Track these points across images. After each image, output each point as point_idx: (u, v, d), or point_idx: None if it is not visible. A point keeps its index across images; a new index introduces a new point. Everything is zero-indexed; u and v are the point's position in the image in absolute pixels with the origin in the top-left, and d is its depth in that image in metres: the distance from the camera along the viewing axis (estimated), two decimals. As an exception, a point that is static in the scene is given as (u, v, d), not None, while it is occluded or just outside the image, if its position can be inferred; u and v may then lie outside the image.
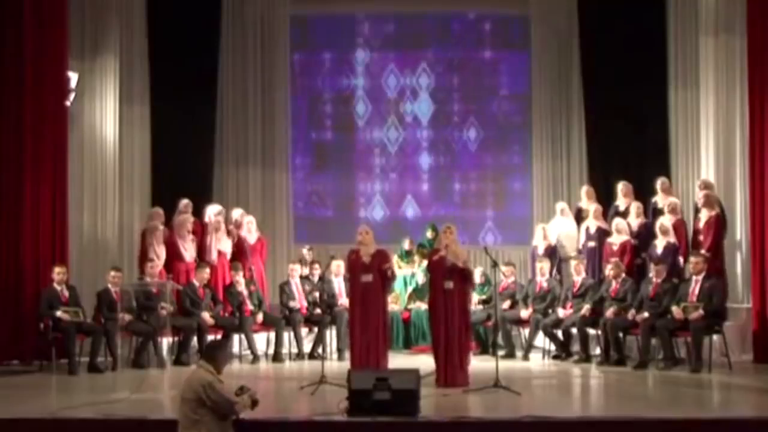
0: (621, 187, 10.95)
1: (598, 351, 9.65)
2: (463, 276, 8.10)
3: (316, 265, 10.83)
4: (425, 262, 10.22)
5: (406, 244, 11.74)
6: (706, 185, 10.33)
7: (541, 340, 10.12)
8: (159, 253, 10.26)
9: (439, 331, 8.06)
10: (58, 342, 9.09)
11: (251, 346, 9.98)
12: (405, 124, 13.02)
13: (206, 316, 9.85)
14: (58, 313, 9.11)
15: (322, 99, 13.09)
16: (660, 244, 9.99)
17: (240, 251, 10.80)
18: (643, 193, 11.10)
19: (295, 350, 10.21)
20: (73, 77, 10.74)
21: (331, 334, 10.29)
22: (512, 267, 10.71)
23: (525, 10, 12.81)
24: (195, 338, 9.80)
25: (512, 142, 12.96)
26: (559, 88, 12.61)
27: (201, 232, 10.76)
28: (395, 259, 11.36)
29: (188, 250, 10.47)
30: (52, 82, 9.82)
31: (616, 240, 10.36)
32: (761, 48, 9.50)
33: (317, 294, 10.49)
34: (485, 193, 12.96)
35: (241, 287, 10.22)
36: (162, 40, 11.94)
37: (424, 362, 8.61)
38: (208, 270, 10.17)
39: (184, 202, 10.83)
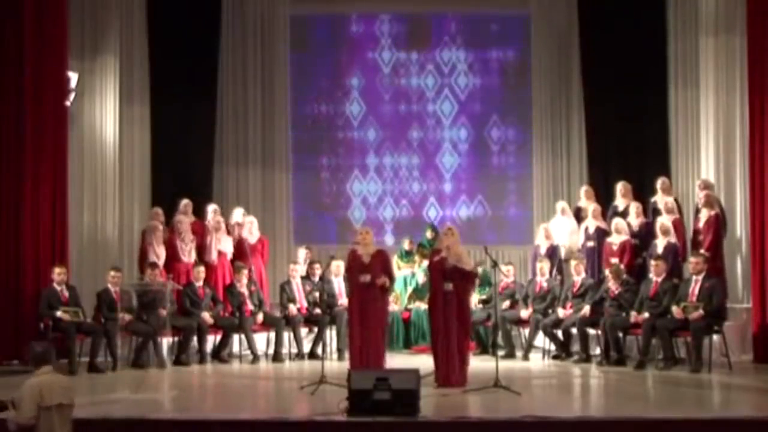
0: (620, 187, 10.95)
1: (598, 351, 9.65)
2: (465, 277, 8.09)
3: (316, 265, 10.82)
4: (425, 262, 10.23)
5: (406, 244, 11.73)
6: (706, 185, 10.34)
7: (541, 340, 10.12)
8: (159, 254, 10.26)
9: (439, 332, 8.05)
10: (58, 342, 9.07)
11: (251, 346, 9.98)
12: (405, 124, 13.01)
13: (206, 316, 9.86)
14: (58, 313, 9.12)
15: (322, 99, 13.08)
16: (660, 243, 9.99)
17: (241, 251, 10.81)
18: (643, 193, 11.11)
19: (295, 350, 10.21)
20: (73, 77, 10.74)
21: (331, 334, 10.29)
22: (512, 267, 10.73)
23: (525, 9, 12.81)
24: (195, 338, 9.81)
25: (512, 141, 12.95)
26: (559, 88, 12.60)
27: (201, 232, 10.77)
28: (395, 259, 11.36)
29: (187, 251, 10.47)
30: (52, 82, 9.81)
31: (615, 240, 10.37)
32: (761, 48, 9.50)
33: (317, 294, 10.49)
34: (485, 193, 12.95)
35: (242, 287, 10.22)
36: (162, 40, 11.95)
37: (424, 362, 8.61)
38: (202, 269, 10.16)
39: (184, 202, 10.85)
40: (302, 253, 11.19)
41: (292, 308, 10.33)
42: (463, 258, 8.16)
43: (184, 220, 10.61)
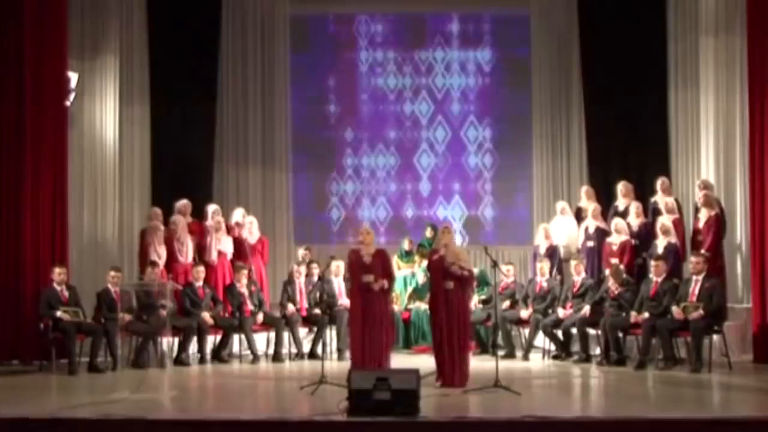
0: (620, 187, 10.95)
1: (598, 351, 9.65)
2: (461, 279, 8.09)
3: (314, 265, 10.81)
4: (425, 262, 10.23)
5: (405, 244, 11.74)
6: (706, 185, 10.34)
7: (541, 340, 10.12)
8: (160, 253, 10.28)
9: (439, 331, 8.05)
10: (58, 342, 9.09)
11: (251, 346, 9.97)
12: (405, 124, 13.02)
13: (206, 316, 9.86)
14: (58, 313, 9.11)
15: (322, 99, 13.09)
16: (661, 243, 9.99)
17: (241, 251, 10.81)
18: (643, 193, 11.11)
19: (294, 350, 10.21)
20: (73, 77, 10.75)
21: (331, 334, 10.28)
22: (512, 266, 10.72)
23: (525, 9, 12.81)
24: (195, 338, 9.81)
25: (512, 141, 12.95)
26: (559, 88, 12.61)
27: (199, 232, 10.77)
28: (395, 259, 11.36)
29: (184, 251, 10.48)
30: (52, 82, 9.81)
31: (615, 240, 10.36)
32: (761, 48, 9.50)
33: (317, 294, 10.48)
34: (485, 193, 12.95)
35: (242, 287, 10.21)
36: (162, 40, 11.97)
37: (424, 362, 8.61)
38: (201, 269, 10.17)
39: (183, 202, 10.85)
40: (300, 253, 11.21)
41: (291, 308, 10.32)
42: (462, 256, 8.17)
43: (181, 220, 10.62)
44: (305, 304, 10.51)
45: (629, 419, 6.49)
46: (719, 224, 10.07)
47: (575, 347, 9.90)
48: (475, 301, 10.27)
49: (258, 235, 11.05)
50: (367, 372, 6.99)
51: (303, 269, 10.65)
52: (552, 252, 10.74)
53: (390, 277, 8.55)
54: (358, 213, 12.94)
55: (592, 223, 10.78)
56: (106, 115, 11.56)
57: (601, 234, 10.64)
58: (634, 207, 10.70)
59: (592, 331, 9.71)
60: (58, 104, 9.95)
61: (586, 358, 9.62)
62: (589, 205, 10.96)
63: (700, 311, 8.84)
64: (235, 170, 12.59)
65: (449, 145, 12.98)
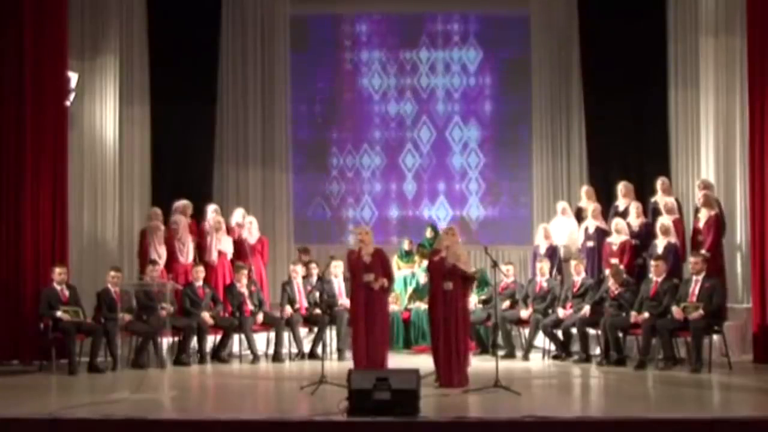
0: (621, 187, 10.95)
1: (598, 351, 9.65)
2: (463, 278, 8.08)
3: (313, 265, 10.81)
4: (425, 262, 10.24)
5: (405, 244, 11.74)
6: (706, 185, 10.35)
7: (541, 340, 10.12)
8: (160, 253, 10.28)
9: (439, 332, 8.04)
10: (58, 342, 9.10)
11: (251, 346, 9.97)
12: (404, 124, 13.02)
13: (206, 316, 9.85)
14: (58, 313, 9.12)
15: (322, 99, 13.09)
16: (660, 243, 9.99)
17: (241, 251, 10.81)
18: (643, 193, 11.12)
19: (294, 350, 10.21)
20: (73, 77, 10.75)
21: (331, 334, 10.28)
22: (512, 266, 10.72)
23: (525, 10, 12.81)
24: (195, 338, 9.81)
25: (512, 141, 12.94)
26: (559, 88, 12.60)
27: (197, 232, 10.77)
28: (395, 259, 11.36)
29: (185, 251, 10.48)
30: (52, 82, 9.81)
31: (615, 240, 10.37)
32: (761, 48, 9.50)
33: (317, 294, 10.48)
34: (484, 193, 12.95)
35: (242, 287, 10.21)
36: (162, 40, 11.96)
37: (424, 362, 8.61)
38: (201, 269, 10.18)
39: (183, 202, 10.84)
40: (299, 251, 11.24)
41: (288, 309, 10.31)
42: (463, 258, 8.16)
43: (182, 220, 10.62)
44: (305, 304, 10.50)
45: (629, 419, 6.49)
46: (719, 224, 10.08)
47: (575, 347, 9.90)
48: (475, 301, 10.28)
49: (258, 235, 11.05)
50: (367, 372, 6.99)
51: (299, 269, 10.64)
52: (552, 252, 10.74)
53: (389, 276, 8.56)
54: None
55: (592, 223, 10.78)
56: (106, 115, 11.56)
57: (601, 234, 10.64)
58: (634, 207, 10.70)
59: (592, 331, 9.71)
60: (58, 104, 9.95)
61: (586, 358, 9.62)
62: (589, 205, 10.96)
63: (700, 311, 8.85)
64: (235, 170, 12.59)
65: (448, 145, 12.98)
